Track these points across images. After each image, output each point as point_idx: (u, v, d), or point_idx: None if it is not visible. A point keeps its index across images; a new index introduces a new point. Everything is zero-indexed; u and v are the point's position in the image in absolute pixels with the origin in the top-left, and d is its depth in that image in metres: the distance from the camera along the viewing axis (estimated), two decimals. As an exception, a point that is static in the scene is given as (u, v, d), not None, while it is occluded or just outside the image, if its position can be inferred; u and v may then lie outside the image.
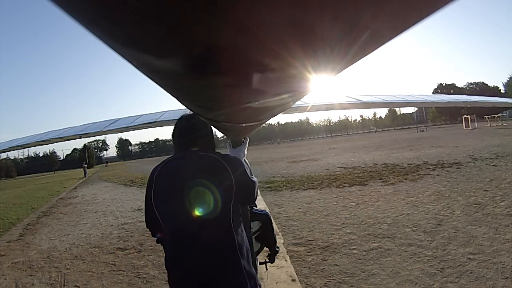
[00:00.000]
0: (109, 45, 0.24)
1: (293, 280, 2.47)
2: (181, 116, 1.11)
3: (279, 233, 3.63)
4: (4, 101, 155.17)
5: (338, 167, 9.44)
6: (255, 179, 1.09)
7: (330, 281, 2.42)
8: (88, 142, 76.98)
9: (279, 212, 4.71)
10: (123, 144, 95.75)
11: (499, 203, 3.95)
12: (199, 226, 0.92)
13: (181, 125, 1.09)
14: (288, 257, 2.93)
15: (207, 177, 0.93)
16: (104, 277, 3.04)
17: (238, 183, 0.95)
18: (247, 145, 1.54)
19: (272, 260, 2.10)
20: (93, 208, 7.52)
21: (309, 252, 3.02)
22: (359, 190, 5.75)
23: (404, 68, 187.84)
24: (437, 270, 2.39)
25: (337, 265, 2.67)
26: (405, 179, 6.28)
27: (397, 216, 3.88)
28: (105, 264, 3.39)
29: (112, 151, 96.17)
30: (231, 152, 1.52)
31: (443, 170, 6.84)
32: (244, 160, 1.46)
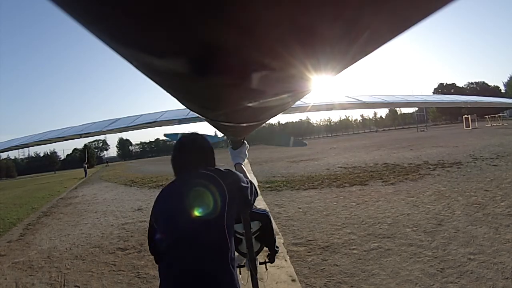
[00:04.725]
0: (109, 45, 0.23)
1: (293, 280, 2.47)
2: (181, 138, 1.14)
3: (279, 233, 3.63)
4: (3, 102, 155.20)
5: (338, 167, 9.44)
6: (248, 182, 1.11)
7: (330, 281, 2.42)
8: (89, 142, 76.87)
9: (279, 212, 4.71)
10: (123, 144, 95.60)
11: (500, 203, 3.94)
12: (196, 229, 0.95)
13: (183, 146, 1.12)
14: (288, 257, 2.93)
15: (204, 188, 0.98)
16: (104, 277, 3.05)
17: (231, 191, 1.00)
18: (247, 145, 1.55)
19: (272, 260, 2.09)
20: (94, 208, 7.52)
21: (309, 252, 3.02)
22: (360, 190, 5.74)
23: (405, 68, 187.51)
24: (437, 271, 2.39)
25: (337, 265, 2.67)
26: (406, 179, 6.27)
27: (397, 216, 3.87)
28: (105, 264, 3.40)
29: (112, 151, 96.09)
30: (232, 154, 1.54)
31: (443, 170, 6.84)
32: (243, 165, 1.49)
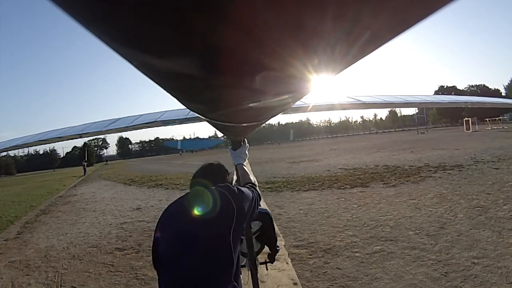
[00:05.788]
0: (109, 45, 0.23)
1: (295, 284, 2.43)
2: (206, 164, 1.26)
3: (280, 235, 3.58)
4: (3, 100, 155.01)
5: (339, 168, 9.40)
6: (254, 197, 1.11)
7: (332, 285, 2.38)
8: (88, 140, 76.47)
9: (280, 213, 4.67)
10: (123, 143, 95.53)
11: (502, 206, 3.91)
12: (200, 244, 0.94)
13: (200, 168, 1.23)
14: (290, 260, 2.88)
15: (211, 200, 0.99)
16: (101, 278, 3.00)
17: (239, 207, 1.01)
18: (247, 145, 1.56)
19: (272, 260, 2.07)
20: (92, 206, 7.48)
21: (310, 255, 2.98)
22: (361, 191, 5.70)
23: (405, 70, 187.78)
24: (441, 275, 2.36)
25: (339, 269, 2.63)
26: (407, 181, 6.24)
27: (399, 218, 3.83)
28: (103, 265, 3.35)
29: (112, 150, 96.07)
30: (232, 154, 1.55)
31: (444, 172, 6.80)
32: (244, 165, 1.48)
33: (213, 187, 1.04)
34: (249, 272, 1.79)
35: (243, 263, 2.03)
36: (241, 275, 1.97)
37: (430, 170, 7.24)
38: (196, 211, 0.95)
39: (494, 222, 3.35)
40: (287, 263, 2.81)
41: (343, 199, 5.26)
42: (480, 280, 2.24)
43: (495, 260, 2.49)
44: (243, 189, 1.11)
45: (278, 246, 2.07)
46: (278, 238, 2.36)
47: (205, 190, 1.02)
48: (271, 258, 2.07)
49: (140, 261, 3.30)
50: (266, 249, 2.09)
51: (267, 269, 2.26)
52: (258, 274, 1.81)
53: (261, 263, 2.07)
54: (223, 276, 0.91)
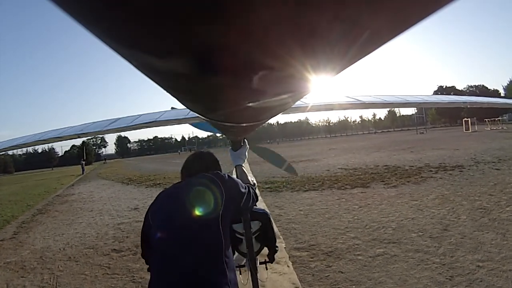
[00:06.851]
0: (109, 45, 0.24)
1: (296, 288, 2.37)
2: (194, 153, 1.30)
3: (280, 237, 3.52)
4: (3, 99, 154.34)
5: (338, 168, 9.36)
6: (247, 188, 1.16)
7: (335, 290, 2.32)
8: (87, 139, 76.38)
9: (280, 214, 4.61)
10: (122, 142, 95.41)
11: (505, 208, 3.87)
12: (191, 228, 0.98)
13: (192, 156, 1.26)
14: (291, 263, 2.82)
15: (201, 186, 1.06)
16: (97, 281, 2.93)
17: (228, 192, 1.05)
18: (247, 146, 1.59)
19: (271, 260, 2.05)
20: (89, 206, 7.40)
21: (312, 258, 2.92)
22: (361, 192, 5.65)
23: (404, 70, 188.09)
24: (446, 278, 2.31)
25: (342, 272, 2.57)
26: (408, 181, 6.19)
27: (401, 220, 3.78)
28: (99, 267, 3.28)
29: (110, 148, 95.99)
30: (232, 155, 1.58)
31: (445, 173, 6.77)
32: (243, 166, 1.50)
33: (204, 175, 1.09)
34: (249, 272, 1.78)
35: (243, 263, 2.01)
36: (240, 276, 1.95)
37: (431, 171, 7.20)
38: (189, 202, 1.00)
39: (498, 224, 3.31)
40: (288, 266, 2.75)
41: (343, 199, 5.20)
42: (486, 284, 2.19)
43: (500, 264, 2.45)
44: (234, 176, 1.17)
45: (277, 246, 2.06)
46: (278, 240, 2.33)
47: (198, 181, 1.07)
48: (271, 257, 2.05)
49: (137, 263, 3.23)
50: (266, 250, 2.06)
51: (266, 269, 2.24)
52: (258, 274, 1.79)
53: (260, 263, 2.06)
54: (214, 261, 0.94)
